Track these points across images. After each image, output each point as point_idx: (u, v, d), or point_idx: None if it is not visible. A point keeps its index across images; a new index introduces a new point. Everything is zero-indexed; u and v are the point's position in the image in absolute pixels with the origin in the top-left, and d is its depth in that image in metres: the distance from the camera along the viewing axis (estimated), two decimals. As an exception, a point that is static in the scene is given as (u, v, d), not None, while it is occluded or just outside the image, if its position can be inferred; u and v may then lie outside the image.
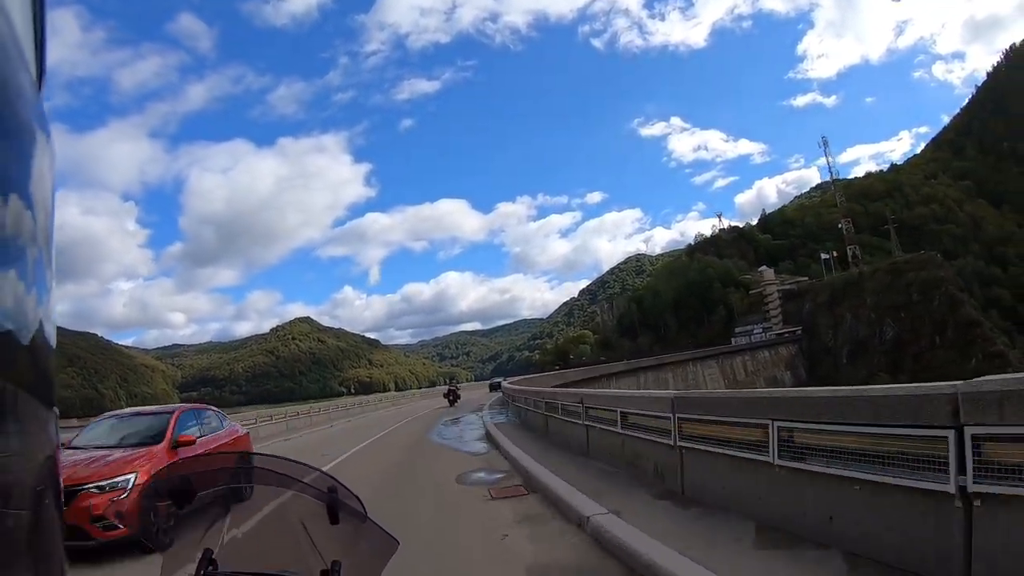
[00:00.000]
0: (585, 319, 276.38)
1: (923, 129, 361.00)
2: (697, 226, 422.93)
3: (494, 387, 42.41)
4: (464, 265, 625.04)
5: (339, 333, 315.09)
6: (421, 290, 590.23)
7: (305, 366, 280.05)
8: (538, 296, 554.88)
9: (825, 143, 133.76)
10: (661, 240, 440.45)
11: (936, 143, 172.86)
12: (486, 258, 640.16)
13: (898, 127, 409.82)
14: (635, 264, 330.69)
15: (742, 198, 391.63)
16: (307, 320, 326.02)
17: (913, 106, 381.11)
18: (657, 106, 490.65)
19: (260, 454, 0.94)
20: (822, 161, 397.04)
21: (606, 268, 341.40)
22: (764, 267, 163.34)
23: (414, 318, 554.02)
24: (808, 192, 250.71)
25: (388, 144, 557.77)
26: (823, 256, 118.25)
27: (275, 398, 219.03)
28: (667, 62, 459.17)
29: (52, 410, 0.55)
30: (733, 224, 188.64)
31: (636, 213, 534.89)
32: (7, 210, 0.49)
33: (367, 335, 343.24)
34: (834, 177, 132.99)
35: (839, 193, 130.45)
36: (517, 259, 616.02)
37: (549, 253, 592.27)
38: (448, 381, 39.90)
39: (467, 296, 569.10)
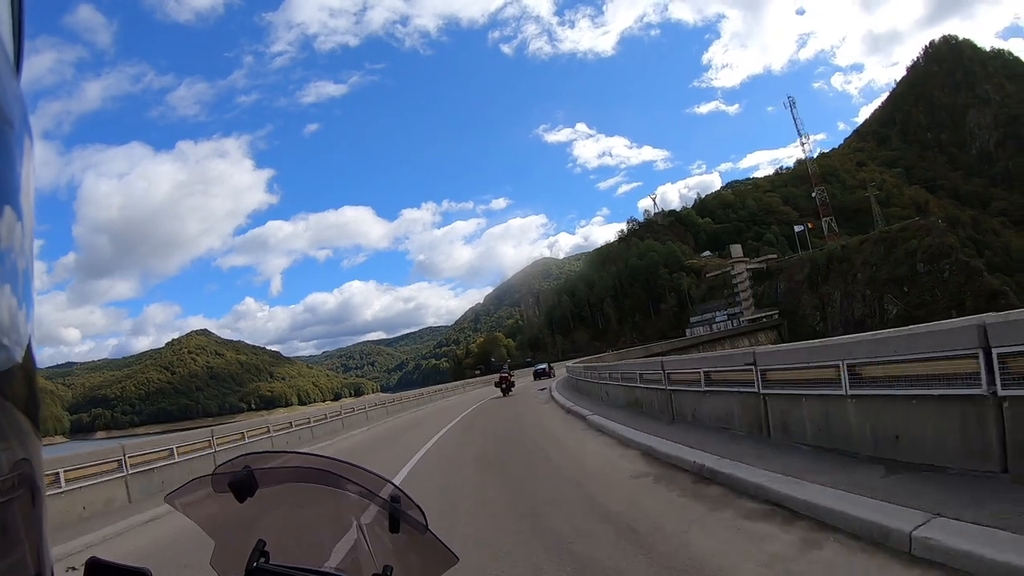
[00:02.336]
0: (492, 324, 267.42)
1: (820, 136, 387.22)
2: (601, 231, 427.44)
3: (539, 374, 40.95)
4: (368, 274, 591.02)
5: (238, 346, 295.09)
6: (325, 300, 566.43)
7: (203, 381, 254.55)
8: (443, 303, 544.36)
9: (792, 103, 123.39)
10: (566, 245, 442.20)
11: (859, 134, 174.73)
12: (390, 266, 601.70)
13: (796, 134, 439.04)
14: (541, 268, 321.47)
15: (645, 203, 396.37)
16: (205, 333, 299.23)
17: (811, 114, 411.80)
18: (563, 112, 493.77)
19: (328, 457, 0.94)
20: (725, 167, 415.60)
21: (511, 274, 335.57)
22: (705, 251, 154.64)
23: (318, 329, 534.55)
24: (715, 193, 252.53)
25: (292, 149, 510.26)
26: (797, 228, 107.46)
27: (171, 417, 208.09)
28: (575, 69, 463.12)
29: (36, 423, 0.52)
30: (670, 209, 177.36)
31: (541, 219, 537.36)
32: None
33: (269, 347, 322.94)
34: (804, 142, 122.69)
35: (812, 164, 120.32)
36: (421, 267, 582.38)
37: (453, 260, 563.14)
38: (501, 367, 34.12)
39: (372, 305, 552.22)
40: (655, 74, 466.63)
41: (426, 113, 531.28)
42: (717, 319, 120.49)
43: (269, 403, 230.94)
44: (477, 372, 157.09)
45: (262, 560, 0.86)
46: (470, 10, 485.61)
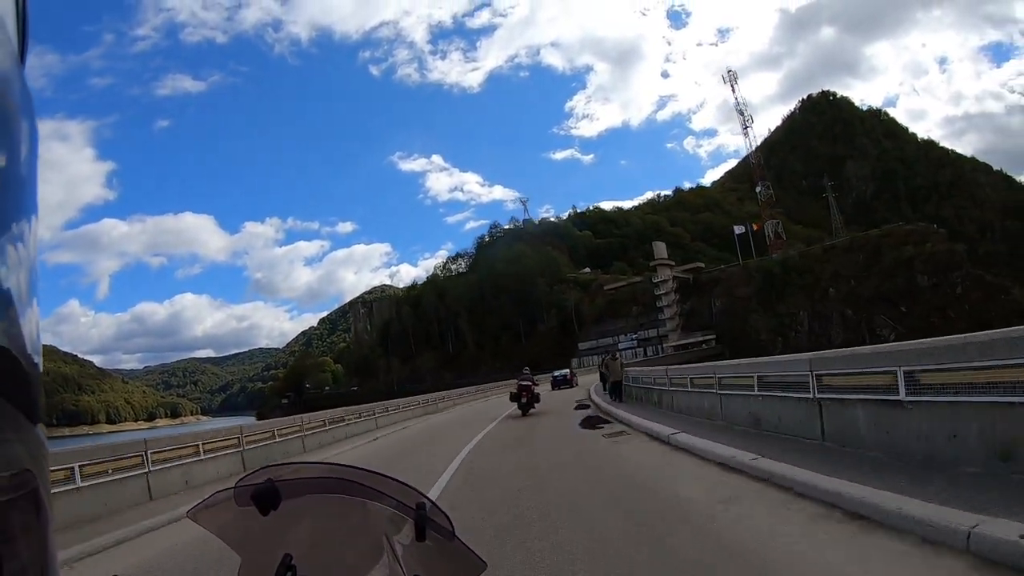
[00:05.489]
0: (325, 348, 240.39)
1: (666, 192, 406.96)
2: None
3: (559, 382, 36.99)
4: (203, 287, 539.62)
5: (48, 352, 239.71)
6: (155, 311, 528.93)
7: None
8: (277, 325, 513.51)
9: (734, 77, 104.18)
10: (407, 276, 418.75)
11: (732, 175, 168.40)
12: (227, 281, 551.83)
13: (644, 188, 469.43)
14: (379, 294, 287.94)
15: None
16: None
17: (660, 171, 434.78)
18: (421, 142, 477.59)
19: (350, 466, 0.90)
20: (570, 213, 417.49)
21: (348, 300, 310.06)
22: (584, 268, 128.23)
23: (144, 341, 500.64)
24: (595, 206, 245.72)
25: (138, 143, 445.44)
26: (737, 230, 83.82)
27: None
28: (440, 100, 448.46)
29: (39, 423, 0.50)
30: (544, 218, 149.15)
31: (385, 247, 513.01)
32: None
33: (87, 357, 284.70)
34: (747, 126, 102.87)
35: (756, 155, 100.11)
36: (259, 285, 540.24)
37: (292, 281, 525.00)
38: (522, 371, 21.18)
39: (203, 321, 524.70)
40: (517, 116, 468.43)
41: (283, 124, 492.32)
42: (621, 345, 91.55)
43: (73, 418, 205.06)
44: (284, 400, 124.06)
45: (289, 574, 0.84)
46: (346, 25, 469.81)
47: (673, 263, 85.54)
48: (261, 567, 0.85)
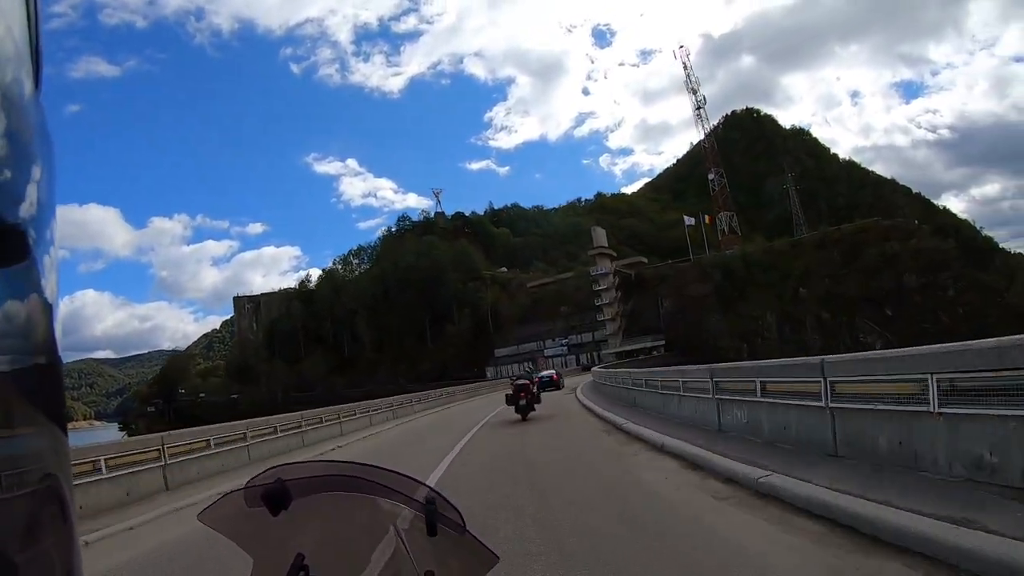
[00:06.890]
0: (226, 352, 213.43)
1: (587, 196, 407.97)
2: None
3: (545, 384, 33.42)
4: (106, 284, 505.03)
5: None
6: None
7: None
8: (181, 327, 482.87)
9: (686, 54, 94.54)
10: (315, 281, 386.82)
11: (653, 187, 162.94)
12: (131, 279, 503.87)
13: (558, 201, 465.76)
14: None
15: (418, 201, 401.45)
16: None
17: (574, 187, 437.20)
18: (337, 144, 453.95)
19: (359, 463, 0.89)
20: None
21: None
22: (501, 268, 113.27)
23: None
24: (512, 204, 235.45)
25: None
26: (687, 220, 72.59)
27: None
28: (360, 103, 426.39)
29: (63, 425, 0.53)
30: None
31: (295, 251, 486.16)
32: (16, 216, 0.47)
33: None
34: (700, 106, 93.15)
35: (710, 142, 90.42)
36: (164, 284, 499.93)
37: (199, 281, 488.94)
38: (524, 367, 25.10)
39: (104, 320, 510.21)
40: (436, 124, 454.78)
41: (198, 117, 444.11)
42: (548, 351, 76.88)
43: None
44: (150, 409, 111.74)
45: (301, 574, 0.83)
46: (269, 19, 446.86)
47: (615, 254, 72.76)
48: (273, 568, 0.83)
